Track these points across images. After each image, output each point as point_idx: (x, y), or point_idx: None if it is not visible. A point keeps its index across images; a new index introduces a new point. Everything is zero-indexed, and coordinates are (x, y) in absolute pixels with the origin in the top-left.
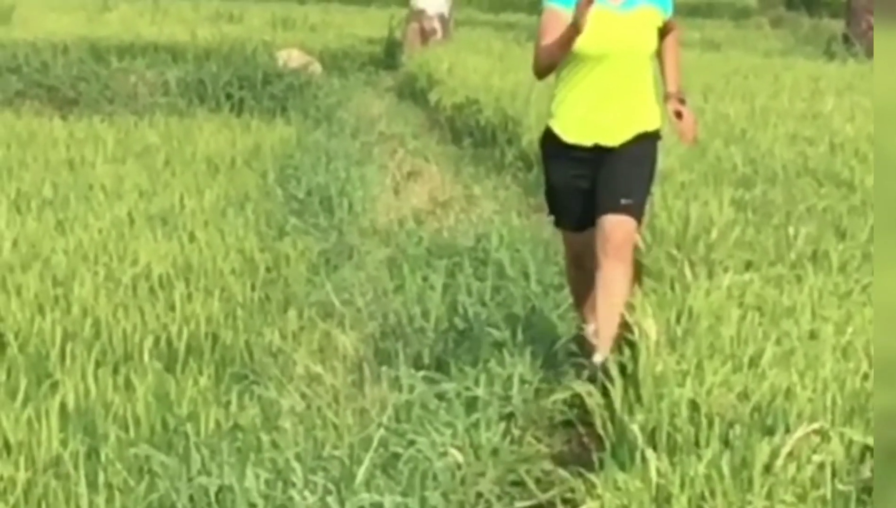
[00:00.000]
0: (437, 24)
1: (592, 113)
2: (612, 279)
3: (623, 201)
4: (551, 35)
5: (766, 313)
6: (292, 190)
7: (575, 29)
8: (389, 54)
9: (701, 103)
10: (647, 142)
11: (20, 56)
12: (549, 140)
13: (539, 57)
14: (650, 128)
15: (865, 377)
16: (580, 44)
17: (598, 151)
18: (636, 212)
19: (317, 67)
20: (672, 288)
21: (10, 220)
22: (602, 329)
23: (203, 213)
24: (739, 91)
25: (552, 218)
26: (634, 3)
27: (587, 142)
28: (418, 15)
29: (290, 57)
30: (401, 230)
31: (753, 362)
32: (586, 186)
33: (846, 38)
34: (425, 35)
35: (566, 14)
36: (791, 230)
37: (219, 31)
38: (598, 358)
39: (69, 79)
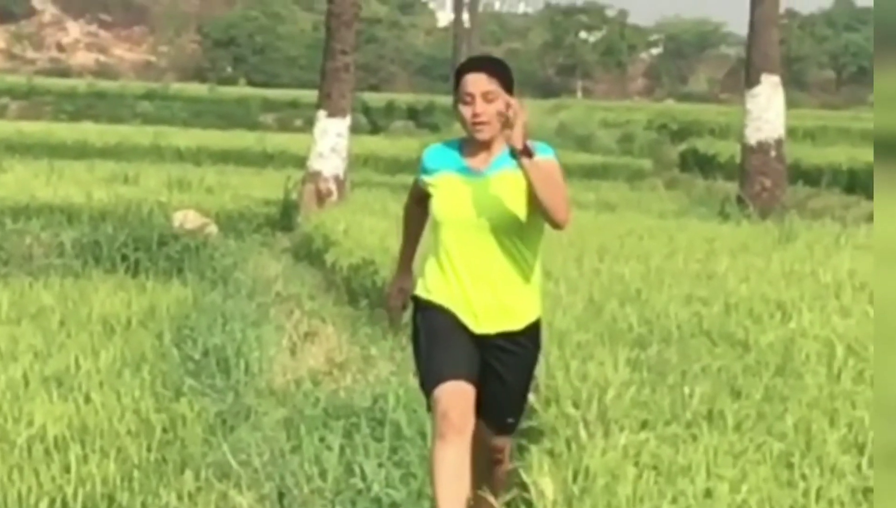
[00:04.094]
0: (332, 186)
1: (462, 292)
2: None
3: (509, 421)
4: (412, 199)
5: (662, 472)
6: (188, 351)
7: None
8: (286, 215)
9: (596, 264)
10: (532, 348)
11: None
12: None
13: (404, 221)
14: (529, 320)
15: None
16: (434, 207)
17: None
18: (516, 427)
19: (213, 229)
20: (568, 447)
21: None
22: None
23: (98, 374)
24: (634, 252)
25: (428, 378)
26: (499, 166)
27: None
28: (314, 176)
29: (186, 218)
30: (297, 391)
31: None
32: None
33: (740, 200)
34: (321, 196)
35: (419, 188)
36: (686, 390)
37: (114, 193)
38: None
39: None
